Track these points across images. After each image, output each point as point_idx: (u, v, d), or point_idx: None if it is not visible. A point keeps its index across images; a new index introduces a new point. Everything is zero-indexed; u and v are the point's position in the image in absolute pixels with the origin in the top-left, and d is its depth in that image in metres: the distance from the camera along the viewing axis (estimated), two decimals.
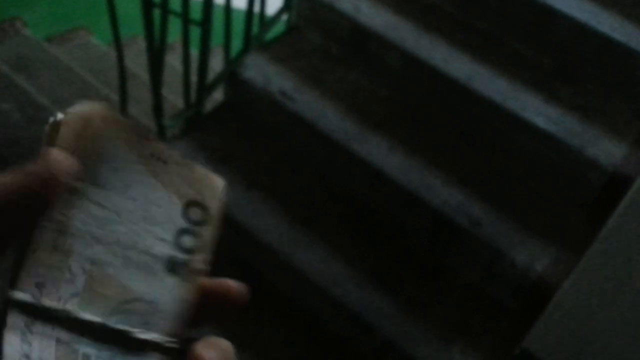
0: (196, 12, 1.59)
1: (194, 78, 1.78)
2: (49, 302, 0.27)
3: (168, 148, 0.31)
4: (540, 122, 1.63)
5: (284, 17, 1.99)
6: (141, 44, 2.66)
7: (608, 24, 1.72)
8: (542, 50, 1.82)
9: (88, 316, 0.28)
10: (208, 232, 0.31)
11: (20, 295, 0.26)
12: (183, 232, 0.31)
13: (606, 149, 1.60)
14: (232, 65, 1.84)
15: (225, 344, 0.29)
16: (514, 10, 1.81)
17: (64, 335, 0.27)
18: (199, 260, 0.31)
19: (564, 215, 1.59)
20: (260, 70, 1.84)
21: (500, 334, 1.52)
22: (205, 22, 1.54)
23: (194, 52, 1.75)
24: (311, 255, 1.61)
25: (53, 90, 2.19)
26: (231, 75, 1.86)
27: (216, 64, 1.99)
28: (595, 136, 1.63)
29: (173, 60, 2.61)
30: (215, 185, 0.32)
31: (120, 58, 1.82)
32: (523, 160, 1.69)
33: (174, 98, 2.11)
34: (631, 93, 1.72)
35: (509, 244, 1.52)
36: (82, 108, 0.28)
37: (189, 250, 0.31)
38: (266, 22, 1.88)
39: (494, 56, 1.82)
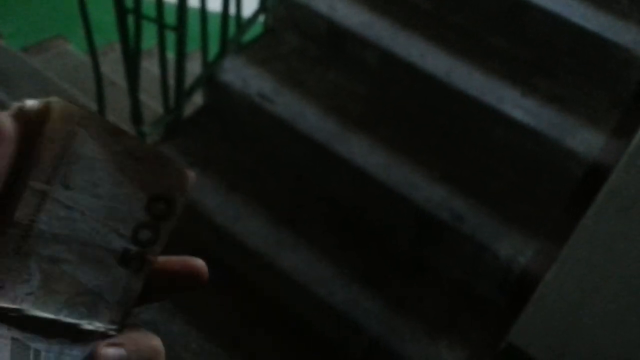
0: (171, 16, 1.58)
1: (172, 83, 1.77)
2: (4, 303, 0.28)
3: (141, 141, 0.31)
4: (518, 114, 1.64)
5: (260, 18, 1.98)
6: (119, 50, 2.65)
7: (581, 14, 1.73)
8: (518, 43, 1.83)
9: (40, 313, 0.29)
10: (167, 226, 0.32)
11: None
12: (142, 225, 0.31)
13: (585, 140, 1.61)
14: (210, 69, 1.83)
15: (147, 342, 0.30)
16: (488, 4, 1.82)
17: (18, 334, 0.28)
18: (153, 252, 0.32)
19: (546, 207, 1.59)
20: (238, 73, 1.84)
21: (487, 328, 1.52)
22: (180, 27, 1.53)
23: (172, 57, 1.74)
24: (295, 256, 1.60)
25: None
26: (209, 79, 1.85)
27: (194, 68, 1.98)
28: (573, 127, 1.64)
29: (151, 66, 2.59)
30: (183, 179, 0.32)
31: (96, 66, 1.80)
32: (503, 153, 1.70)
33: (153, 104, 2.10)
34: (607, 82, 1.73)
35: (491, 238, 1.53)
36: (55, 105, 0.28)
37: (144, 243, 0.31)
38: (242, 24, 1.87)
39: (471, 51, 1.83)
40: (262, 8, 1.93)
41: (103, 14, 2.10)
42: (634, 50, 1.67)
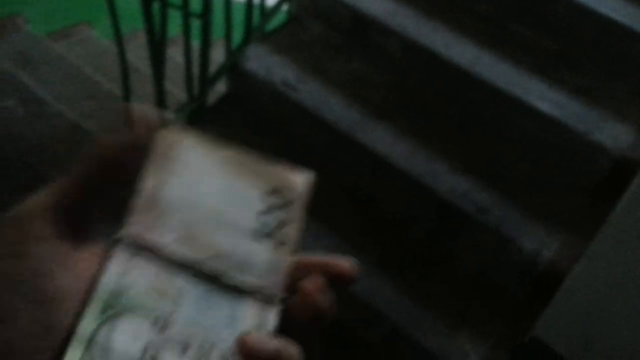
0: (196, 4, 1.58)
1: (196, 71, 1.78)
2: (152, 240, 0.30)
3: (245, 151, 0.34)
4: (544, 106, 1.62)
5: (284, 7, 1.97)
6: (143, 38, 2.65)
7: (609, 5, 1.70)
8: (545, 34, 1.81)
9: (186, 257, 0.30)
10: (291, 213, 0.33)
11: (127, 231, 0.30)
12: (263, 213, 0.33)
13: (612, 133, 1.59)
14: (234, 57, 1.83)
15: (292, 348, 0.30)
16: None
17: (162, 269, 0.30)
18: (285, 235, 0.32)
19: (571, 201, 1.58)
20: (262, 61, 1.83)
21: (508, 321, 1.52)
22: (205, 14, 1.53)
23: (196, 45, 1.74)
24: (317, 245, 1.61)
25: (56, 85, 2.19)
26: (233, 67, 1.85)
27: (218, 56, 1.98)
28: (601, 120, 1.62)
29: (175, 54, 2.60)
30: (297, 178, 0.35)
31: (122, 53, 1.81)
32: (529, 145, 1.68)
33: (176, 92, 2.11)
34: (636, 75, 1.71)
35: (516, 231, 1.52)
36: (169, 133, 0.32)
37: (271, 227, 0.32)
38: (266, 13, 1.87)
39: (496, 40, 1.81)
40: None
41: (128, 2, 2.11)
42: None
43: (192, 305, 0.30)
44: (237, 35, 1.85)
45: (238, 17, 1.80)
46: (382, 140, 1.68)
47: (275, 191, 0.33)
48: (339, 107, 1.75)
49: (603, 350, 1.24)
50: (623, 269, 1.17)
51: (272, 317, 0.30)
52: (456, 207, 1.57)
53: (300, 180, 0.35)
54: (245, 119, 1.87)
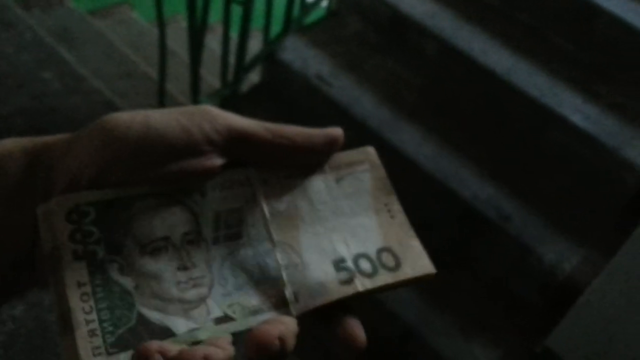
0: None
1: (232, 59, 1.80)
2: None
3: (399, 205, 0.38)
4: (577, 119, 1.61)
5: (325, 2, 1.99)
6: (181, 22, 2.69)
7: None
8: (584, 47, 1.80)
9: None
10: (385, 277, 0.34)
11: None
12: (365, 257, 0.35)
13: None
14: (271, 47, 1.85)
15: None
16: (557, 4, 1.78)
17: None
18: (362, 284, 0.34)
19: (596, 216, 1.57)
20: (299, 53, 1.85)
21: (523, 330, 1.51)
22: (247, 1, 1.55)
23: (233, 36, 1.76)
24: None
25: (94, 62, 2.23)
26: (269, 57, 1.87)
27: (254, 47, 2.00)
28: (633, 137, 1.61)
29: (211, 42, 2.63)
30: (419, 257, 0.36)
31: (162, 36, 1.84)
32: (557, 157, 1.67)
33: (210, 79, 2.13)
34: None
35: (538, 241, 1.51)
36: (370, 157, 0.39)
37: (360, 269, 0.34)
38: (307, 6, 1.88)
39: (535, 50, 1.80)
40: None
41: None
42: None
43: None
44: (276, 27, 1.87)
45: (278, 10, 1.82)
46: (411, 141, 1.68)
47: (393, 253, 0.35)
48: (371, 105, 1.76)
49: None
50: None
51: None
52: (478, 213, 1.57)
53: (422, 264, 0.36)
54: (276, 109, 1.89)
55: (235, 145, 0.33)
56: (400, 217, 0.37)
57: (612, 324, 1.24)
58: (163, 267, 0.31)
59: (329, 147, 0.36)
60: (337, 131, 0.37)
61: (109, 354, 0.28)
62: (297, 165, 0.36)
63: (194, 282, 0.31)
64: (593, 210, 1.58)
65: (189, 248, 0.32)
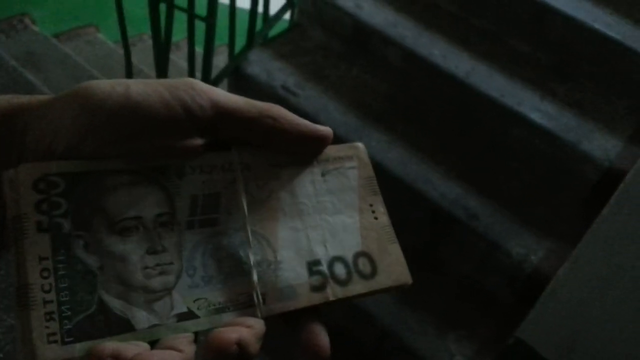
0: (201, 7, 1.63)
1: (199, 75, 1.82)
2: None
3: (384, 208, 0.37)
4: (536, 117, 1.66)
5: (287, 14, 2.02)
6: (147, 41, 2.71)
7: (604, 21, 1.75)
8: (540, 48, 1.86)
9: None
10: (358, 287, 0.34)
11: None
12: (341, 262, 0.34)
13: (601, 144, 1.63)
14: (236, 61, 1.88)
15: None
16: (511, 8, 1.84)
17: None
18: (333, 293, 0.33)
19: (560, 209, 1.62)
20: (264, 66, 1.88)
21: (495, 324, 1.55)
22: (210, 17, 1.58)
23: (199, 52, 1.79)
24: None
25: (61, 85, 2.24)
26: (235, 71, 1.90)
27: (220, 62, 2.03)
28: (590, 131, 1.66)
29: (178, 59, 2.65)
30: (397, 265, 0.36)
31: (127, 55, 1.86)
32: (520, 155, 1.72)
33: None
34: (626, 90, 1.75)
35: (505, 236, 1.55)
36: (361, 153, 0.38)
37: (335, 275, 0.33)
38: (269, 19, 1.92)
39: (493, 53, 1.85)
40: (289, 4, 1.97)
41: (133, 6, 2.16)
42: None
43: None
44: (241, 41, 1.90)
45: (242, 26, 1.85)
46: (378, 146, 1.72)
47: (370, 258, 0.35)
48: (338, 113, 1.79)
49: (586, 352, 1.27)
50: (606, 273, 1.21)
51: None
52: (448, 213, 1.61)
53: (400, 273, 0.36)
54: None
55: (220, 122, 0.32)
56: (384, 219, 0.37)
57: (578, 311, 1.28)
58: (131, 248, 0.29)
59: (316, 142, 0.35)
60: (326, 130, 0.36)
61: (63, 342, 0.26)
62: (282, 153, 0.34)
63: (161, 268, 0.30)
64: (556, 203, 1.63)
65: (160, 230, 0.30)
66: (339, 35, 1.97)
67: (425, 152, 1.73)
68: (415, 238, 1.71)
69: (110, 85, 0.30)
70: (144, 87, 0.30)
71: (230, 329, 0.28)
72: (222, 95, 0.32)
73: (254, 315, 0.31)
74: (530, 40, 1.86)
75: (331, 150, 0.37)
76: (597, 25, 1.74)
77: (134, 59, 2.15)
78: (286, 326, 0.33)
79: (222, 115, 0.31)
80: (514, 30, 1.88)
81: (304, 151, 0.35)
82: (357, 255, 0.34)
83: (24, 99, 0.30)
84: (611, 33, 1.73)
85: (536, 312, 1.33)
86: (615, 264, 1.22)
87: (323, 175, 0.36)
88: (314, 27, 2.01)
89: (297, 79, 1.86)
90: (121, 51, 2.05)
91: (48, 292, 0.27)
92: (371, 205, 0.37)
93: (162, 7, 1.62)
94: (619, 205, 1.24)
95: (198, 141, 0.32)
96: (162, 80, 0.31)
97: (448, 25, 1.92)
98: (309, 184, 0.35)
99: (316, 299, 0.32)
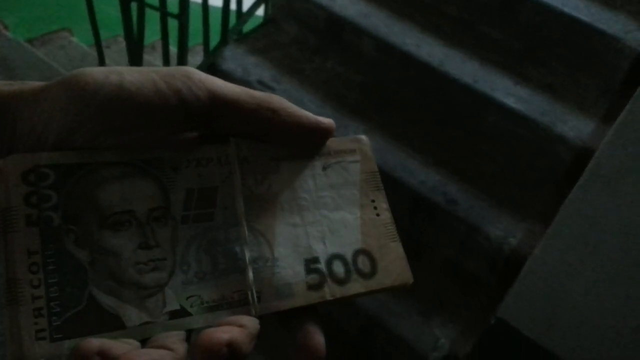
0: (173, 6, 1.63)
1: None
2: None
3: (387, 204, 0.36)
4: (510, 101, 1.69)
5: (261, 9, 2.03)
6: (122, 43, 2.70)
7: (573, 4, 1.78)
8: (511, 34, 1.88)
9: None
10: (356, 286, 0.33)
11: None
12: (339, 260, 0.33)
13: (575, 125, 1.66)
14: (211, 58, 1.88)
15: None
16: None
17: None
18: (331, 292, 0.32)
19: (536, 191, 1.64)
20: (239, 62, 1.88)
21: (478, 306, 1.57)
22: (182, 14, 1.58)
23: (174, 51, 1.79)
24: None
25: None
26: (210, 68, 1.90)
27: (196, 61, 2.03)
28: (564, 114, 1.69)
29: (154, 60, 2.64)
30: (397, 264, 0.35)
31: (101, 57, 1.85)
32: (496, 139, 1.74)
33: None
34: (598, 71, 1.78)
35: (483, 220, 1.57)
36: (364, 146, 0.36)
37: (331, 276, 0.32)
38: (243, 14, 1.92)
39: (465, 41, 1.87)
40: None
41: (106, 8, 2.15)
42: (624, 39, 1.72)
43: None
44: (215, 39, 1.90)
45: (216, 24, 1.85)
46: None
47: (370, 257, 0.34)
48: (314, 105, 1.80)
49: (566, 327, 1.30)
50: (582, 247, 1.23)
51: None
52: (427, 200, 1.62)
53: (400, 273, 0.35)
54: None
55: (217, 113, 0.30)
56: (386, 215, 0.36)
57: (556, 288, 1.30)
58: (123, 243, 0.28)
59: (318, 135, 0.33)
60: (328, 122, 0.34)
61: (52, 339, 0.26)
62: (282, 145, 0.33)
63: (154, 264, 0.29)
64: (532, 185, 1.65)
65: (154, 225, 0.29)
66: (313, 28, 1.98)
67: (403, 140, 1.74)
68: (396, 226, 1.72)
69: (103, 74, 0.28)
70: (139, 77, 0.29)
71: (221, 329, 0.27)
72: (219, 85, 0.31)
73: (248, 313, 0.30)
74: (501, 27, 1.89)
75: (333, 144, 0.35)
76: (566, 9, 1.76)
77: (109, 61, 2.14)
78: (281, 326, 0.32)
79: (219, 106, 0.30)
80: (485, 17, 1.90)
81: (304, 144, 0.33)
82: (357, 253, 0.33)
83: (14, 86, 0.29)
84: (580, 15, 1.76)
85: (515, 291, 1.35)
86: (589, 240, 1.24)
87: (324, 169, 0.34)
88: (288, 21, 2.02)
89: (272, 73, 1.87)
90: (96, 54, 2.04)
91: (37, 287, 0.26)
92: (373, 201, 0.35)
93: (135, 7, 1.62)
94: (589, 182, 1.27)
95: (194, 133, 0.31)
96: (157, 69, 0.30)
97: (420, 14, 1.94)
98: (309, 178, 0.34)
99: (313, 298, 0.31)
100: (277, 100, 0.32)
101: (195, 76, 0.30)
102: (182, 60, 1.75)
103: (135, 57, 1.76)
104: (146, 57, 1.90)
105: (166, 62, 1.81)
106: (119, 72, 0.29)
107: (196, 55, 2.49)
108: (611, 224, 1.22)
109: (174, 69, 0.30)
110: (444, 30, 1.89)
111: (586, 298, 1.22)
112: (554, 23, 1.79)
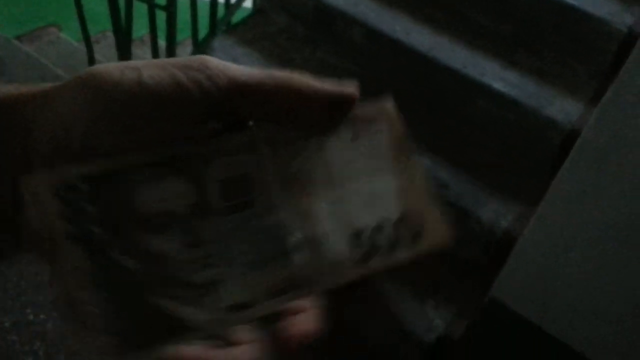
0: None
1: None
2: None
3: (420, 167, 0.34)
4: (499, 86, 1.70)
5: (249, 0, 2.03)
6: (111, 37, 2.69)
7: None
8: (500, 20, 1.89)
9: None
10: (402, 254, 0.32)
11: None
12: (382, 230, 0.32)
13: (564, 108, 1.67)
14: (200, 49, 1.88)
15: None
16: None
17: None
18: (377, 263, 0.31)
19: (526, 174, 1.65)
20: (228, 53, 1.89)
21: (471, 288, 1.58)
22: (170, 6, 1.58)
23: (163, 44, 1.79)
24: None
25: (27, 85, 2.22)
26: None
27: (186, 53, 2.03)
28: (552, 97, 1.70)
29: (143, 54, 2.64)
30: (437, 226, 0.33)
31: (90, 52, 1.85)
32: (486, 124, 1.75)
33: None
34: (586, 55, 1.79)
35: (475, 204, 1.59)
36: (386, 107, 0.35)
37: (375, 248, 0.31)
38: (231, 5, 1.92)
39: (455, 27, 1.88)
40: None
41: (95, 4, 2.15)
42: (612, 22, 1.73)
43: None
44: (204, 31, 1.90)
45: (205, 16, 1.85)
46: None
47: (413, 223, 0.33)
48: None
49: (559, 307, 1.31)
50: (571, 226, 1.24)
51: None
52: None
53: (443, 234, 0.34)
54: None
55: (238, 100, 0.29)
56: (420, 180, 0.34)
57: (547, 267, 1.31)
58: (168, 244, 0.27)
59: (343, 104, 0.32)
60: (352, 87, 0.32)
61: (123, 355, 0.25)
62: (306, 123, 0.31)
63: (203, 261, 0.28)
64: (522, 168, 1.66)
65: (194, 222, 0.28)
66: (301, 18, 1.98)
67: None
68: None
69: (119, 70, 0.27)
70: (157, 71, 0.27)
71: (292, 324, 0.27)
72: (238, 71, 0.29)
73: (302, 295, 0.29)
74: (490, 14, 1.89)
75: (358, 113, 0.33)
76: None
77: (99, 56, 2.14)
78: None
79: (240, 93, 0.29)
80: (474, 5, 1.91)
81: (330, 117, 0.32)
82: (398, 221, 0.32)
83: (22, 89, 0.28)
84: (570, 0, 1.77)
85: (507, 271, 1.36)
86: (578, 217, 1.26)
87: (353, 140, 0.33)
88: (277, 11, 2.02)
89: (262, 64, 1.87)
90: (85, 49, 2.04)
91: (93, 303, 0.25)
92: (406, 167, 0.34)
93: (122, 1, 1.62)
94: (576, 162, 1.28)
95: (217, 123, 0.30)
96: (173, 61, 0.28)
97: (409, 2, 1.94)
98: (339, 151, 0.32)
99: (361, 272, 0.30)
100: (298, 80, 0.30)
101: (212, 64, 0.29)
102: (170, 52, 1.75)
103: (124, 52, 1.76)
104: (136, 50, 1.90)
105: (155, 54, 1.81)
106: (136, 67, 0.27)
107: (185, 48, 2.49)
108: (600, 201, 1.23)
109: (190, 59, 0.29)
110: (433, 18, 1.90)
111: (578, 276, 1.23)
112: (543, 8, 1.80)
